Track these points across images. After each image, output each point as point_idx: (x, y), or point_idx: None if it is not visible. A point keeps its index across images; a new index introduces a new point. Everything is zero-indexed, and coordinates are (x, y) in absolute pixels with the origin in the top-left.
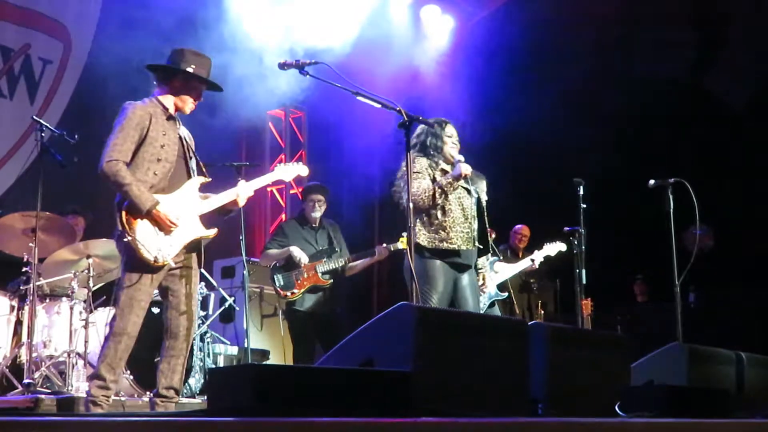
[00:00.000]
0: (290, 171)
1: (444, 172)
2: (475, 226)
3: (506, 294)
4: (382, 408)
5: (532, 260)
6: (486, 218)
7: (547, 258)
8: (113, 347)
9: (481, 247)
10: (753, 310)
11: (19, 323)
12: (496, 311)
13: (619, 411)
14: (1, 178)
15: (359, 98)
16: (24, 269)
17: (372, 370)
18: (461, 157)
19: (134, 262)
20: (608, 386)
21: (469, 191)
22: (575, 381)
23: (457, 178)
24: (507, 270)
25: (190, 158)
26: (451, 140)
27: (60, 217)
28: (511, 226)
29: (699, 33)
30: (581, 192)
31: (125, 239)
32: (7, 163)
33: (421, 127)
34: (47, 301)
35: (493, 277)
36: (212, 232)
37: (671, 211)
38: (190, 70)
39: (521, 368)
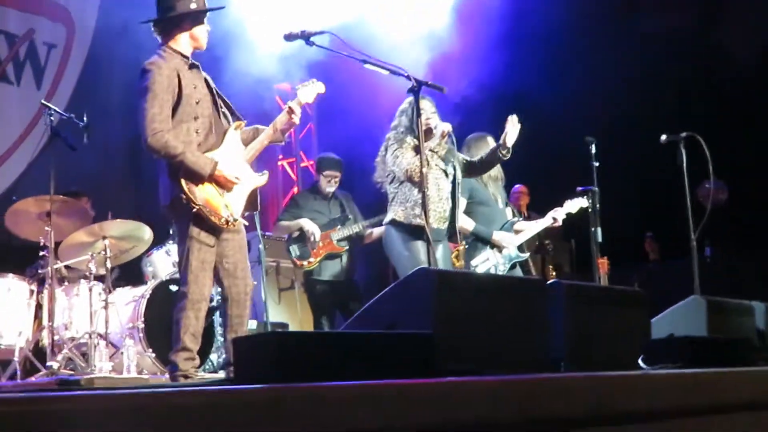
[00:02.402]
0: (310, 91)
1: (416, 148)
2: (449, 206)
3: (527, 255)
4: (405, 370)
5: (554, 218)
6: (458, 198)
7: (569, 215)
8: (194, 316)
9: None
10: None
11: (39, 307)
12: (518, 273)
13: (642, 364)
14: (13, 165)
15: (367, 66)
16: (41, 253)
17: (394, 333)
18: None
19: (200, 227)
20: (629, 342)
21: (446, 173)
22: (595, 338)
23: (441, 136)
24: (529, 229)
25: (221, 104)
26: (425, 114)
27: (74, 200)
28: (526, 185)
29: None
30: (593, 150)
31: (194, 209)
32: (18, 149)
33: (405, 105)
34: (66, 283)
35: (513, 238)
36: (264, 177)
37: (684, 165)
38: (194, 6)
39: (541, 327)
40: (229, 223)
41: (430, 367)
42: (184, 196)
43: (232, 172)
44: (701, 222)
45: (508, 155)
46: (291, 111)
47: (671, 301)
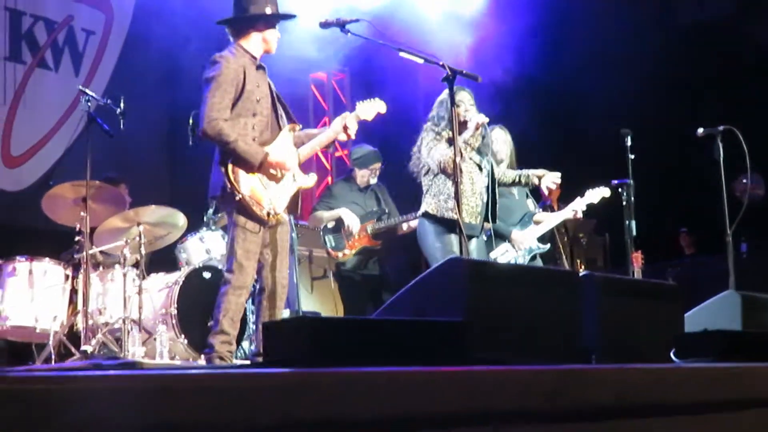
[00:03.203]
0: (370, 108)
1: (450, 140)
2: (482, 200)
3: (548, 246)
4: (435, 358)
5: (574, 210)
6: (495, 192)
7: (590, 205)
8: (234, 301)
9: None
10: None
11: (74, 292)
12: (539, 264)
13: (674, 358)
14: (50, 150)
15: (402, 54)
16: (76, 238)
17: (426, 320)
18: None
19: (245, 216)
20: (661, 336)
21: (480, 167)
22: (628, 331)
23: (475, 128)
24: (548, 220)
25: (279, 108)
26: (462, 106)
27: (110, 186)
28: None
29: None
30: (629, 143)
31: (237, 197)
32: (56, 134)
33: (438, 99)
34: (100, 269)
35: (533, 230)
36: (312, 179)
37: (721, 159)
38: (269, 11)
39: (573, 319)
40: (271, 216)
41: (460, 355)
42: (229, 185)
43: (282, 159)
44: (737, 217)
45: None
46: (346, 128)
47: (706, 296)
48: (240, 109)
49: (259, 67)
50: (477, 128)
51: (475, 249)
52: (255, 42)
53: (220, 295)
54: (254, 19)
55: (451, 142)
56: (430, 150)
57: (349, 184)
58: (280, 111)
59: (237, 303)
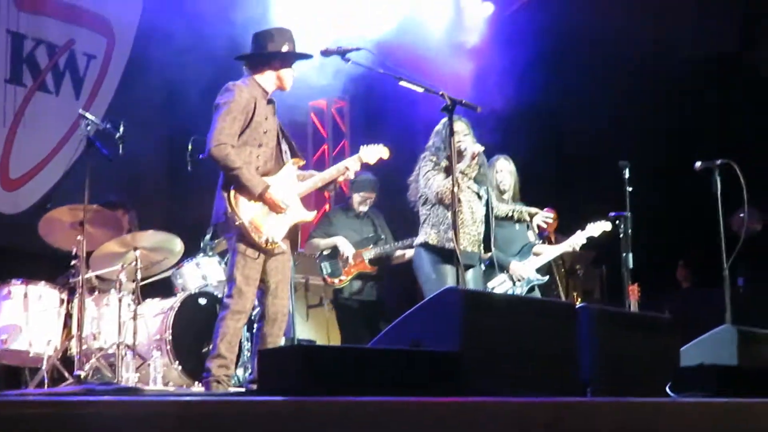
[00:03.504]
0: (374, 153)
1: (448, 170)
2: (482, 230)
3: (546, 278)
4: (431, 388)
5: (575, 244)
6: (492, 221)
7: (590, 239)
8: (233, 326)
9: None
10: None
11: (68, 316)
12: (536, 296)
13: (670, 392)
14: (49, 173)
15: (401, 83)
16: (72, 262)
17: (421, 350)
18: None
19: (245, 243)
20: (657, 369)
21: (479, 195)
22: (623, 363)
23: (471, 157)
24: (548, 252)
25: (284, 142)
26: (457, 136)
27: (107, 210)
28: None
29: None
30: (627, 175)
31: (237, 222)
32: (54, 158)
33: (440, 126)
34: (96, 293)
35: (531, 262)
36: (312, 214)
37: (719, 193)
38: (285, 49)
39: (570, 351)
40: (269, 244)
41: (455, 385)
42: (230, 209)
43: (281, 198)
44: (734, 251)
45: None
46: (347, 168)
47: (703, 329)
48: (247, 138)
49: (269, 102)
50: (473, 158)
51: (472, 279)
52: (269, 78)
53: (218, 320)
54: (271, 57)
55: (448, 172)
56: (428, 180)
57: (345, 212)
58: (284, 146)
59: (235, 328)
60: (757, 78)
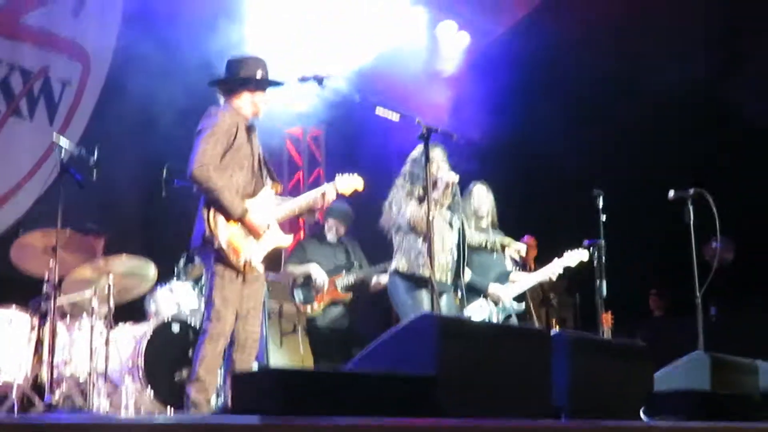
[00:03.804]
0: (349, 183)
1: (421, 198)
2: (453, 258)
3: (523, 306)
4: (406, 411)
5: (552, 273)
6: (465, 250)
7: (567, 268)
8: (211, 350)
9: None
10: None
11: (39, 342)
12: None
13: (644, 416)
14: (21, 199)
15: (378, 111)
16: (44, 287)
17: (396, 374)
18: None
19: (223, 265)
20: (631, 394)
21: (450, 224)
22: (598, 390)
23: (445, 187)
24: (525, 280)
25: (263, 167)
26: (435, 163)
27: (80, 235)
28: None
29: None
30: (601, 203)
31: (215, 245)
32: (27, 183)
33: (414, 154)
34: (68, 318)
35: (509, 288)
36: (290, 238)
37: (691, 223)
38: (259, 75)
39: (544, 377)
40: (246, 266)
41: (430, 409)
42: (208, 231)
43: (260, 222)
44: (707, 280)
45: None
46: (324, 195)
47: (674, 358)
48: (228, 161)
49: (249, 127)
50: (447, 187)
51: (446, 305)
52: (245, 102)
53: (198, 345)
54: (244, 83)
55: (422, 199)
56: (401, 208)
57: (319, 239)
58: (264, 171)
59: (214, 352)
60: (730, 109)
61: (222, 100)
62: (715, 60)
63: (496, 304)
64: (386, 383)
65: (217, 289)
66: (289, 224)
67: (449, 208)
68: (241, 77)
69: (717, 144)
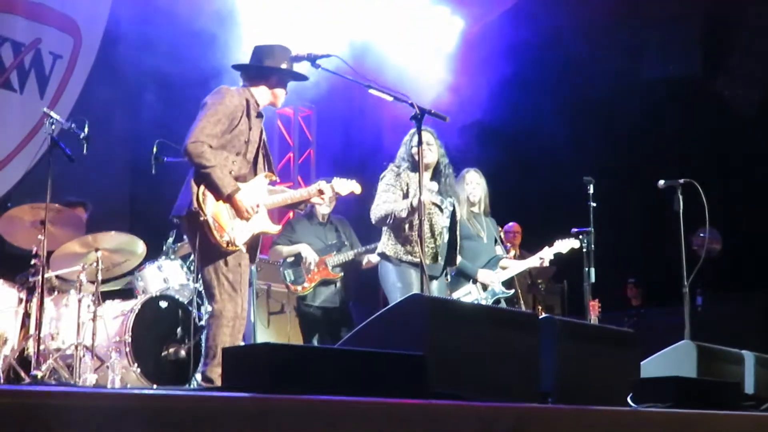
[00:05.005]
0: (346, 186)
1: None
2: (444, 240)
3: (512, 291)
4: (395, 390)
5: (542, 258)
6: (457, 232)
7: (557, 255)
8: (228, 332)
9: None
10: (762, 313)
11: (27, 315)
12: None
13: (631, 402)
14: (10, 172)
15: (371, 91)
16: (32, 261)
17: (386, 352)
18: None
19: (206, 241)
20: (619, 381)
21: (441, 208)
22: (585, 375)
23: (412, 211)
24: (514, 266)
25: (263, 157)
26: (428, 147)
27: (69, 210)
28: (520, 224)
29: (709, 36)
30: (591, 191)
31: (201, 218)
32: (16, 156)
33: (407, 136)
34: (55, 293)
35: (498, 274)
36: (277, 228)
37: (681, 212)
38: (284, 66)
39: (532, 361)
40: (229, 245)
41: (419, 388)
42: (195, 205)
43: (249, 203)
44: (694, 269)
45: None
46: (321, 192)
47: (660, 347)
48: (226, 143)
49: (259, 115)
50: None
51: (436, 290)
52: (263, 93)
53: (208, 325)
54: (267, 71)
55: (405, 195)
56: (380, 197)
57: (309, 219)
58: (261, 159)
59: (232, 332)
60: (720, 101)
61: (241, 83)
62: (704, 51)
63: (484, 289)
64: (375, 361)
65: (206, 266)
66: (278, 214)
67: (440, 191)
68: (265, 66)
69: (707, 134)
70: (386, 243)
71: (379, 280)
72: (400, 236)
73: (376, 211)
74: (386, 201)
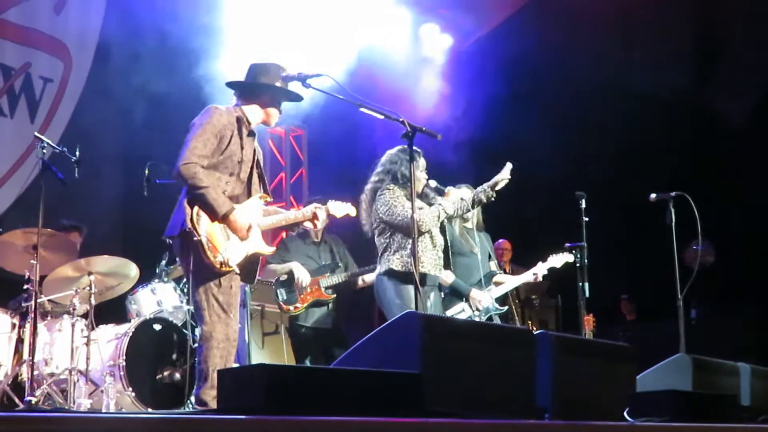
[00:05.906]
0: (341, 208)
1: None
2: (441, 253)
3: (506, 308)
4: (391, 409)
5: (535, 273)
6: (448, 248)
7: (551, 270)
8: (218, 354)
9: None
10: (756, 324)
11: (20, 341)
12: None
13: (627, 417)
14: (1, 197)
15: (362, 110)
16: (25, 286)
17: (382, 371)
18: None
19: (200, 262)
20: (614, 396)
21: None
22: (581, 390)
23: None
24: (509, 282)
25: (258, 174)
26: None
27: (61, 234)
28: (510, 240)
29: (698, 48)
30: (583, 206)
31: (194, 238)
32: (8, 181)
33: (396, 155)
34: (48, 318)
35: (492, 291)
36: (271, 249)
37: (673, 225)
38: (278, 84)
39: (528, 377)
40: (223, 266)
41: (415, 406)
42: (190, 225)
43: (243, 222)
44: (688, 282)
45: (492, 198)
46: (315, 216)
47: (656, 361)
48: (218, 164)
49: (250, 133)
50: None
51: (434, 303)
52: (255, 111)
53: (198, 347)
54: (261, 89)
55: (408, 198)
56: (395, 208)
57: (303, 238)
58: (255, 179)
59: (216, 356)
60: (711, 114)
61: (234, 101)
62: (694, 64)
63: (477, 309)
64: (371, 381)
65: (198, 288)
66: (272, 233)
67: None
68: (258, 83)
69: (697, 147)
70: (393, 259)
71: (373, 300)
72: (407, 248)
73: (398, 215)
74: (406, 209)
